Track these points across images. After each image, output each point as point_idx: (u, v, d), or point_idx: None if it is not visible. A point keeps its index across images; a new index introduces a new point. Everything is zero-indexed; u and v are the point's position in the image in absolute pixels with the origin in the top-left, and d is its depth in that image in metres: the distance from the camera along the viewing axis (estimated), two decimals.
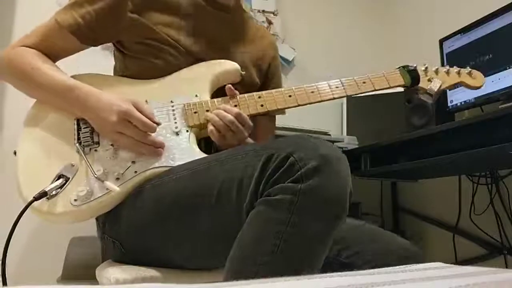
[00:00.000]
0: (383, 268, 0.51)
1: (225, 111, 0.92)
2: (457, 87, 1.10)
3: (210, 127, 0.92)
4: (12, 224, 0.82)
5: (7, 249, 0.82)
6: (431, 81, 1.02)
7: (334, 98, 0.98)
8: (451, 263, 0.57)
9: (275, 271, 0.62)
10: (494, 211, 1.62)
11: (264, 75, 1.15)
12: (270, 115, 1.17)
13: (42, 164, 0.88)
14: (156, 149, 0.88)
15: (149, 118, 0.87)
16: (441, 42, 1.66)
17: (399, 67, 1.04)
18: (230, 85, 0.97)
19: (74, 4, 0.96)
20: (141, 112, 0.86)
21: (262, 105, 0.96)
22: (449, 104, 1.61)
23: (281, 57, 2.04)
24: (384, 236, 0.90)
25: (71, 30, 0.95)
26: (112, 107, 0.86)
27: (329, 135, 1.71)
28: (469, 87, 1.05)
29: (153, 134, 0.88)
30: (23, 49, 0.96)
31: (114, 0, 0.96)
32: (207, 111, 0.95)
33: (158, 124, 0.88)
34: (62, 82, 0.92)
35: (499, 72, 1.42)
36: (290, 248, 0.63)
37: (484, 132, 1.21)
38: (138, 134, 0.86)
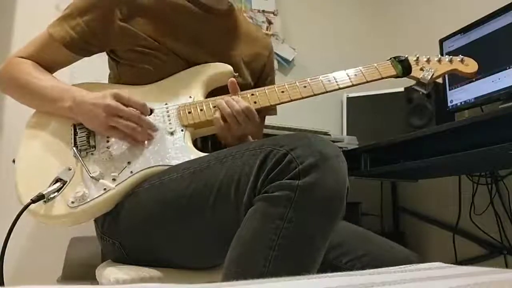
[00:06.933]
0: (383, 268, 0.51)
1: (235, 101, 0.93)
2: (457, 77, 1.09)
3: (216, 115, 0.93)
4: (10, 226, 0.83)
5: (4, 251, 0.82)
6: (423, 70, 1.02)
7: (326, 92, 0.98)
8: (451, 263, 0.57)
9: (273, 266, 0.62)
10: (494, 211, 1.62)
11: (258, 76, 1.15)
12: (260, 115, 1.17)
13: (40, 170, 0.89)
14: (152, 130, 0.92)
15: (134, 104, 0.90)
16: (441, 42, 1.66)
17: (390, 58, 1.04)
18: (233, 79, 0.98)
19: (66, 16, 0.99)
20: (123, 101, 0.89)
21: (255, 102, 0.97)
22: (449, 104, 1.61)
23: (281, 57, 2.05)
24: (384, 243, 0.90)
25: (63, 43, 0.98)
26: (103, 93, 0.90)
27: (329, 135, 1.71)
28: (462, 74, 1.05)
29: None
30: (21, 60, 0.99)
31: (103, 10, 0.97)
32: (201, 110, 0.96)
33: (151, 110, 0.92)
34: (61, 86, 0.95)
35: (499, 72, 1.42)
36: (287, 244, 0.63)
37: (484, 132, 1.21)
38: (134, 116, 0.89)
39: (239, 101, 0.92)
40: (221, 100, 0.94)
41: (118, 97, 0.89)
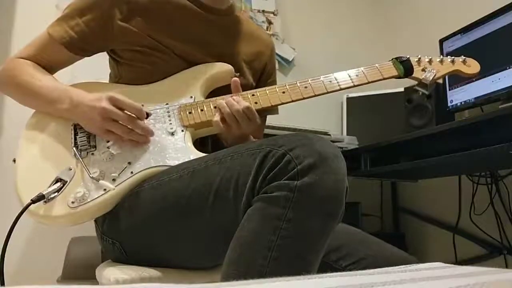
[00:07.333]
0: (383, 268, 0.51)
1: (235, 101, 0.93)
2: (458, 78, 1.09)
3: (216, 118, 0.93)
4: (10, 226, 0.83)
5: (5, 251, 0.82)
6: (425, 71, 1.02)
7: (328, 92, 0.98)
8: (451, 263, 0.57)
9: (272, 267, 0.62)
10: (494, 211, 1.62)
11: (259, 75, 1.15)
12: (262, 115, 1.17)
13: (40, 170, 0.89)
14: (147, 133, 0.90)
15: (130, 108, 0.88)
16: (441, 42, 1.66)
17: (391, 59, 1.04)
18: (236, 78, 0.98)
19: (65, 16, 0.99)
20: (118, 105, 0.88)
21: (256, 103, 0.97)
22: (449, 104, 1.61)
23: (281, 57, 2.05)
24: (384, 247, 0.89)
25: (63, 42, 0.98)
26: (99, 95, 0.89)
27: (329, 135, 1.71)
28: (464, 74, 1.05)
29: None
30: (21, 61, 0.99)
31: (103, 10, 0.97)
32: (202, 110, 0.96)
33: (147, 113, 0.91)
34: (60, 87, 0.95)
35: (499, 72, 1.42)
36: (286, 244, 0.63)
37: (484, 132, 1.21)
38: (128, 119, 0.88)
39: (239, 101, 0.92)
40: (221, 100, 0.94)
41: (113, 101, 0.88)
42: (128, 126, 0.88)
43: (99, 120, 0.88)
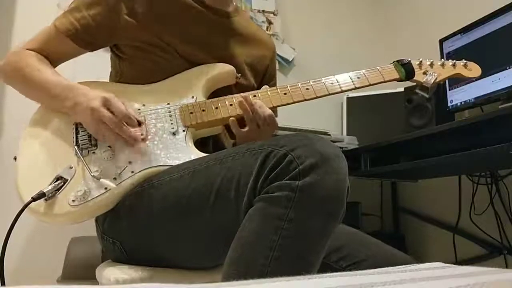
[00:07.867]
0: (383, 268, 0.51)
1: (258, 105, 0.95)
2: (458, 81, 1.09)
3: (233, 117, 0.95)
4: (10, 224, 0.83)
5: (5, 250, 0.82)
6: (426, 74, 1.02)
7: (329, 94, 0.99)
8: (451, 263, 0.57)
9: (274, 267, 0.62)
10: (494, 211, 1.62)
11: (261, 77, 1.16)
12: None
13: (41, 168, 0.89)
14: (133, 141, 0.89)
15: (118, 113, 0.87)
16: (441, 42, 1.66)
17: (393, 62, 1.04)
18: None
19: (72, 9, 1.00)
20: (110, 107, 0.88)
21: None
22: (449, 104, 1.61)
23: (281, 57, 2.05)
24: (384, 249, 0.89)
25: (68, 34, 0.98)
26: (97, 95, 0.89)
27: (329, 135, 1.71)
28: (465, 78, 1.05)
29: (148, 137, 0.91)
30: (27, 52, 0.99)
31: (110, 4, 0.98)
32: (203, 111, 0.96)
33: (139, 121, 0.90)
34: (64, 83, 0.95)
35: (499, 72, 1.42)
36: (288, 244, 0.63)
37: (484, 132, 1.21)
38: (115, 123, 0.87)
39: (262, 106, 0.94)
40: (241, 99, 0.94)
41: (105, 102, 0.88)
42: (115, 131, 0.88)
43: (89, 120, 0.88)
